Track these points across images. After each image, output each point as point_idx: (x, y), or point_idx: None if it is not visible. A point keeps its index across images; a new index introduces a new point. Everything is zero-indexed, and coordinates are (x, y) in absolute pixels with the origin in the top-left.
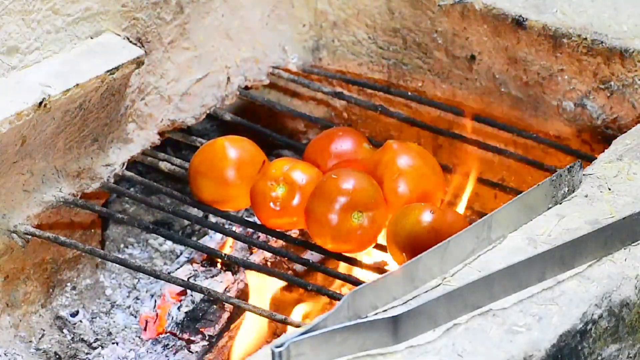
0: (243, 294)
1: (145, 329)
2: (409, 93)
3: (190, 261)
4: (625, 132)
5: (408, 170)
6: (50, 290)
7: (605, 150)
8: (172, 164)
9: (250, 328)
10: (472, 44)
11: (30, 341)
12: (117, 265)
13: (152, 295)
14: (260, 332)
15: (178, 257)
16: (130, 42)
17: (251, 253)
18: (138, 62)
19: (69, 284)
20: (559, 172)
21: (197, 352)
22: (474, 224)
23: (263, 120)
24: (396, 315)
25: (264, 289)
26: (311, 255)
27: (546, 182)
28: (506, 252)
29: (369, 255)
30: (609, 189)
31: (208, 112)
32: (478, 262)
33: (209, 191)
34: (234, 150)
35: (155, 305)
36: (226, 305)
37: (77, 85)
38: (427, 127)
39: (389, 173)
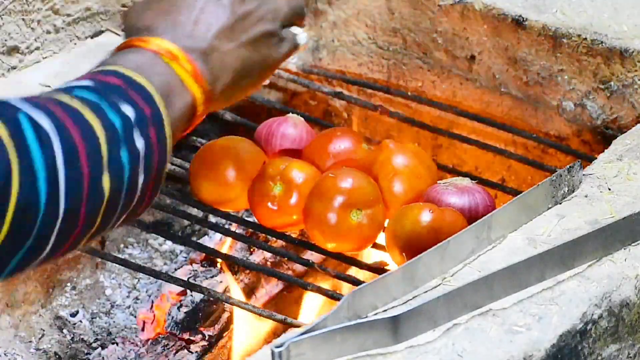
0: (243, 294)
1: (142, 330)
2: (409, 93)
3: (190, 261)
4: (625, 132)
5: (403, 170)
6: (50, 290)
7: (605, 150)
8: (172, 164)
9: (248, 328)
10: (472, 44)
11: (30, 341)
12: (117, 265)
13: (149, 296)
14: (260, 332)
15: (178, 257)
16: None
17: (251, 253)
18: None
19: (68, 284)
20: (559, 172)
21: (197, 352)
22: (474, 224)
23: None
24: (396, 315)
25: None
26: (311, 256)
27: (546, 182)
28: (506, 252)
29: (369, 256)
30: (609, 189)
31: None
32: (478, 262)
33: (209, 192)
34: (234, 151)
35: (152, 306)
36: (226, 305)
37: None
38: (427, 127)
39: (384, 172)
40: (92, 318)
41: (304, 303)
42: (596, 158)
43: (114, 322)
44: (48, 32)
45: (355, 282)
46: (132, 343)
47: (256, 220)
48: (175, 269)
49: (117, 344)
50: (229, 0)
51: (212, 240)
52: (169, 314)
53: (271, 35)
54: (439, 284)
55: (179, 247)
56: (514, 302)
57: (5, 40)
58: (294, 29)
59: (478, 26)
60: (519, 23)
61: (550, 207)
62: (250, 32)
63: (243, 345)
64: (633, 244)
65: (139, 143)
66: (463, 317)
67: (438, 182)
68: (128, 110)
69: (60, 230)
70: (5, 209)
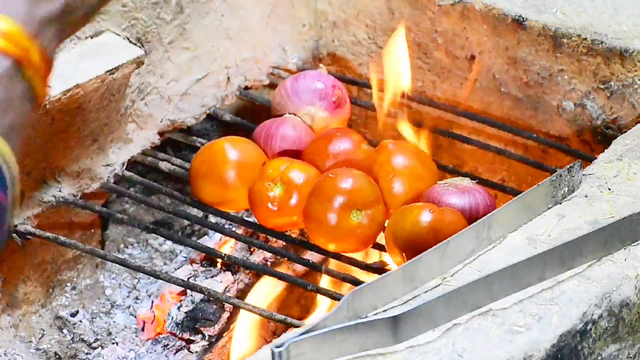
0: (243, 294)
1: (143, 330)
2: (409, 93)
3: (190, 261)
4: (625, 132)
5: (403, 170)
6: (50, 290)
7: (605, 150)
8: (172, 164)
9: (249, 328)
10: (472, 44)
11: (30, 341)
12: (117, 265)
13: (149, 296)
14: (260, 332)
15: (178, 257)
16: (130, 42)
17: (251, 253)
18: (138, 62)
19: (68, 284)
20: (559, 172)
21: (197, 352)
22: (474, 224)
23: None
24: (396, 315)
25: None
26: (311, 256)
27: (546, 182)
28: (506, 252)
29: (369, 256)
30: (609, 189)
31: (208, 112)
32: (478, 262)
33: (209, 193)
34: (234, 151)
35: (152, 306)
36: (226, 305)
37: (77, 85)
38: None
39: (384, 173)
40: (92, 318)
41: (304, 303)
42: (596, 158)
43: (114, 322)
44: None
45: (355, 282)
46: (132, 343)
47: (256, 221)
48: (175, 269)
49: (117, 344)
50: None
51: (212, 240)
52: (169, 314)
53: None
54: (439, 284)
55: (179, 247)
56: (514, 302)
57: None
58: None
59: (478, 26)
60: (519, 23)
61: (550, 207)
62: None
63: (243, 345)
64: (633, 244)
65: None
66: (463, 317)
67: (438, 182)
68: None
69: None
70: None
